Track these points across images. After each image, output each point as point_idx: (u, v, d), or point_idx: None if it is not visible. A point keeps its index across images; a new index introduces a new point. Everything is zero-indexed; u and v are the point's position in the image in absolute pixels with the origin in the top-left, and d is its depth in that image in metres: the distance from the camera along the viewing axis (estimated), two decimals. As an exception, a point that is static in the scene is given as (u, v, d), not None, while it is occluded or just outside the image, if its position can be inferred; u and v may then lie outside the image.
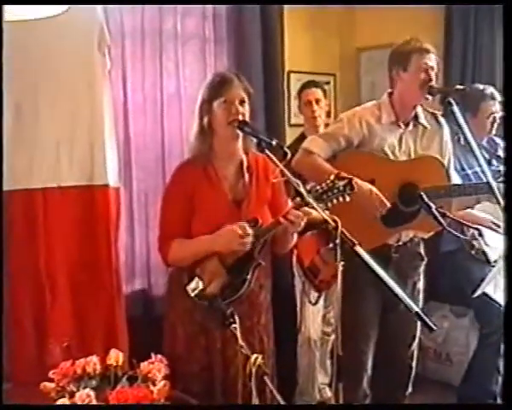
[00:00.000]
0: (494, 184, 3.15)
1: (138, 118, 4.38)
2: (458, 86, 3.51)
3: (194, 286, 3.02)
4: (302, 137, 4.53)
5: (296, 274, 4.44)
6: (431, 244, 3.88)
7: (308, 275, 4.22)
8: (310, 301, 4.40)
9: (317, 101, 4.70)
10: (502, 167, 4.15)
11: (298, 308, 4.58)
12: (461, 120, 3.18)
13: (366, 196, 3.38)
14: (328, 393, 4.71)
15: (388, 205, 3.42)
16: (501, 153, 4.43)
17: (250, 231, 2.98)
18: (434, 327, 2.48)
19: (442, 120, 3.67)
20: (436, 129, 3.65)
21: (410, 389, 3.87)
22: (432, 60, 3.47)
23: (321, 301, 4.46)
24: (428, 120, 3.63)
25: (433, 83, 3.45)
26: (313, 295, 4.39)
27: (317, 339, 4.66)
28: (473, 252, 4.34)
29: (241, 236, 2.96)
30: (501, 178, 3.63)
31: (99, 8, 3.73)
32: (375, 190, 3.39)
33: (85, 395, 2.41)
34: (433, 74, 3.46)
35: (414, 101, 3.53)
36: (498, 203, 3.08)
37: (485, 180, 3.21)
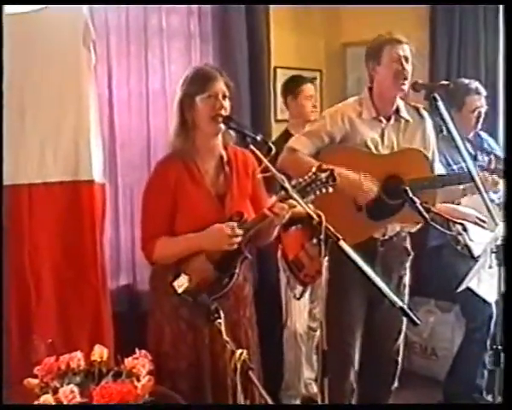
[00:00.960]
0: (476, 175, 3.15)
1: (123, 113, 4.38)
2: (443, 82, 3.52)
3: (181, 283, 3.00)
4: (286, 133, 4.54)
5: (281, 269, 4.45)
6: (417, 239, 3.90)
7: (293, 269, 4.25)
8: (294, 296, 4.42)
9: (312, 96, 4.75)
10: (487, 161, 4.18)
11: (283, 303, 4.59)
12: (446, 116, 3.18)
13: (354, 184, 3.42)
14: (315, 388, 4.71)
15: (375, 190, 3.45)
16: (487, 147, 4.45)
17: (239, 231, 2.97)
18: (418, 322, 2.48)
19: (424, 113, 3.70)
20: (418, 122, 3.69)
21: (396, 384, 3.89)
22: (404, 50, 3.51)
23: (306, 296, 4.49)
24: (410, 113, 3.67)
25: (408, 72, 3.49)
26: (298, 289, 4.41)
27: (303, 334, 4.67)
28: (458, 247, 4.36)
29: (230, 236, 2.96)
30: (485, 168, 3.67)
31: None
32: (362, 177, 3.41)
33: (69, 391, 2.39)
34: (406, 64, 3.50)
35: (391, 93, 3.57)
36: (480, 194, 3.10)
37: (479, 182, 3.21)
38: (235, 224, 2.98)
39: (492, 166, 3.82)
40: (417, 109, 3.69)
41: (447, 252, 4.46)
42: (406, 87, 3.50)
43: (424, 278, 4.80)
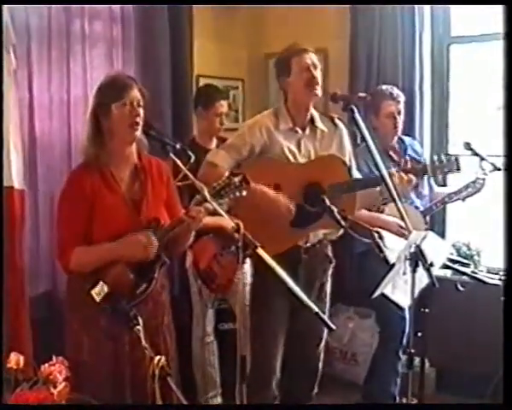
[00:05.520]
0: (388, 179, 3.23)
1: (44, 119, 4.30)
2: (361, 94, 3.61)
3: (99, 290, 2.99)
4: (193, 142, 4.51)
5: (191, 277, 4.44)
6: (342, 246, 3.97)
7: (204, 279, 4.26)
8: (206, 305, 4.42)
9: (222, 113, 4.61)
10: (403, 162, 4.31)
11: (194, 310, 4.55)
12: (362, 127, 3.25)
13: (275, 205, 3.48)
14: (219, 400, 4.65)
15: (293, 211, 3.50)
16: (410, 152, 4.55)
17: (155, 241, 2.99)
18: (333, 327, 2.55)
19: (339, 122, 3.80)
20: (333, 131, 3.77)
21: (316, 390, 3.94)
22: (312, 58, 3.60)
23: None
24: (325, 122, 3.75)
25: (318, 79, 3.58)
26: (210, 298, 4.42)
27: (213, 341, 4.64)
28: (381, 254, 4.42)
29: (145, 245, 2.98)
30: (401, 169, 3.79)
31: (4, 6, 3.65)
32: (282, 197, 3.47)
33: (-17, 398, 2.37)
34: (315, 71, 3.59)
35: (305, 101, 3.66)
36: (392, 197, 3.18)
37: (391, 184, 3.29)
38: (150, 233, 3.00)
39: (408, 165, 3.93)
40: (332, 119, 3.77)
41: (371, 259, 4.52)
42: (319, 92, 3.59)
43: (345, 285, 4.88)
